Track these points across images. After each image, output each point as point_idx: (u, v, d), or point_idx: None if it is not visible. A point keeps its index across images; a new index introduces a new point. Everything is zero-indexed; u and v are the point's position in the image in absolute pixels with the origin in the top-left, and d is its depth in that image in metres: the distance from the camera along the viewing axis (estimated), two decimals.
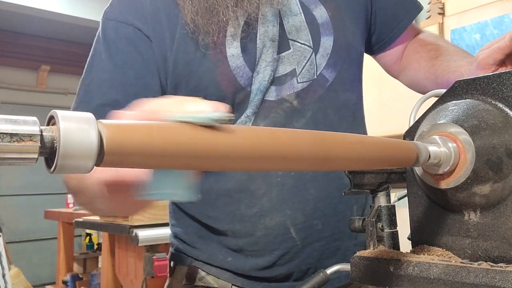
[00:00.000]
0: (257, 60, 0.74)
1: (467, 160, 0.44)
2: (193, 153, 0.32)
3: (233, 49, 0.74)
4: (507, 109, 0.46)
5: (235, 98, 0.75)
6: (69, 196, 4.28)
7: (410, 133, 0.53)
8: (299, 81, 0.77)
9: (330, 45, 0.79)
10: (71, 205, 4.19)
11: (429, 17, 2.24)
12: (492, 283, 0.40)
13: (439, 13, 2.21)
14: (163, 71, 0.74)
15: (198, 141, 0.32)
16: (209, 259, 0.81)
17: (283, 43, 0.77)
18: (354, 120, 0.85)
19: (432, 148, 0.44)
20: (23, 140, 0.27)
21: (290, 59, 0.76)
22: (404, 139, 0.53)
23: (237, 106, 0.76)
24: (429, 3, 2.26)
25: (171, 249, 0.90)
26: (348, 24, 0.83)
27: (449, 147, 0.44)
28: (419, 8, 0.94)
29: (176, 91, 0.75)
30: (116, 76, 0.73)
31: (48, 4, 4.10)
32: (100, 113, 0.73)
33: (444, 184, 0.46)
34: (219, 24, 0.73)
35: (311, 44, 0.78)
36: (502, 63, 0.71)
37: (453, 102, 0.50)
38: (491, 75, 0.48)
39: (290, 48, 0.76)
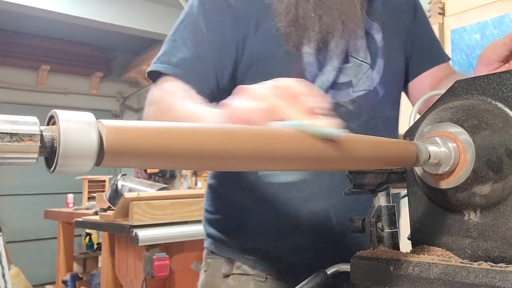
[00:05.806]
0: (326, 63, 0.85)
1: (467, 160, 0.44)
2: (193, 154, 0.32)
3: (308, 49, 0.84)
4: (507, 109, 0.46)
5: None
6: (69, 196, 4.28)
7: (410, 133, 0.53)
8: (354, 91, 0.88)
9: (381, 67, 0.93)
10: (71, 205, 4.19)
11: (429, 17, 2.23)
12: (492, 283, 0.40)
13: (439, 13, 2.20)
14: (240, 48, 0.85)
15: (198, 142, 0.32)
16: (248, 244, 0.88)
17: (345, 56, 0.89)
18: (395, 136, 0.94)
19: (432, 148, 0.44)
20: (23, 140, 0.27)
21: (348, 71, 0.88)
22: (404, 139, 0.53)
23: None
24: (429, 3, 2.25)
25: (205, 244, 0.96)
26: (397, 53, 0.97)
27: (449, 147, 0.44)
28: (448, 58, 1.06)
29: (248, 69, 0.85)
30: (202, 39, 0.84)
31: (48, 4, 4.09)
32: (181, 66, 0.78)
33: (444, 184, 0.46)
34: (301, 30, 0.84)
35: (369, 61, 0.90)
36: (505, 60, 0.70)
37: (453, 102, 0.50)
38: (491, 75, 0.48)
39: (349, 62, 0.88)
